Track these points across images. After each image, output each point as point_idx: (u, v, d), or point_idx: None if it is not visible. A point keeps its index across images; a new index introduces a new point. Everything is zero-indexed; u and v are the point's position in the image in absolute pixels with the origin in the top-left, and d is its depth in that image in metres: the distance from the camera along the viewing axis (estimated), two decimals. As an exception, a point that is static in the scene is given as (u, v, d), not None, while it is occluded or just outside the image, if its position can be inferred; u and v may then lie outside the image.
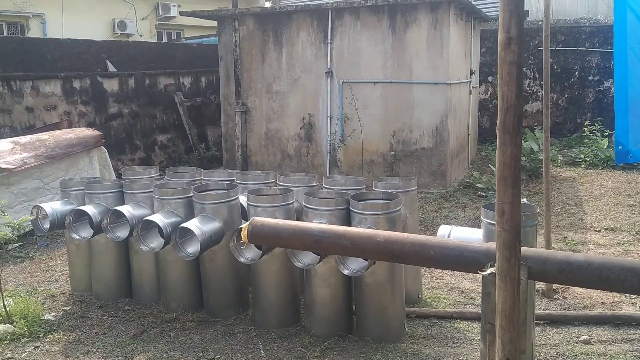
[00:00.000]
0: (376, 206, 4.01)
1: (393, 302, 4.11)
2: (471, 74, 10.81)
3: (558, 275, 2.52)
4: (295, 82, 9.75)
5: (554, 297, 4.97)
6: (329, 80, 9.47)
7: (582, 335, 4.15)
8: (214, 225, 4.31)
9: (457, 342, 4.11)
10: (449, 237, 3.63)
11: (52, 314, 4.82)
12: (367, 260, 3.73)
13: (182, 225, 4.23)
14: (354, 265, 3.85)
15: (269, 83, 9.92)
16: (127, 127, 11.09)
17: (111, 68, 11.14)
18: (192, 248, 4.33)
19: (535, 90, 13.25)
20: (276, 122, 9.99)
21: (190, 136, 12.15)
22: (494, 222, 3.40)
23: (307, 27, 9.55)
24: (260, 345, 4.13)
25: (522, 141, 9.95)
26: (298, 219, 4.37)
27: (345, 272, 3.80)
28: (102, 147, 8.52)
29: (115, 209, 4.65)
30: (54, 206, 5.01)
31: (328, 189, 4.71)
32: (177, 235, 4.31)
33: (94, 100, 10.43)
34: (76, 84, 10.12)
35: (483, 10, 11.71)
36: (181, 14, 10.85)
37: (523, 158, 9.77)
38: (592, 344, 4.04)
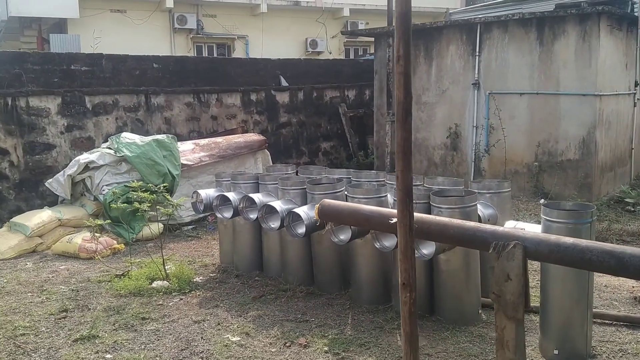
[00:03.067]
0: (450, 201, 4.51)
1: (467, 288, 4.56)
2: (636, 86, 10.30)
3: (549, 255, 2.89)
4: (443, 93, 10.24)
5: (653, 306, 4.95)
6: (475, 91, 9.81)
7: (655, 339, 4.21)
8: (320, 212, 5.13)
9: (526, 330, 4.41)
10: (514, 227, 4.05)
11: (200, 277, 6.04)
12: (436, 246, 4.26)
13: (294, 210, 5.12)
14: (426, 250, 4.40)
15: (418, 94, 10.53)
16: (294, 134, 12.45)
17: (284, 83, 12.60)
18: (302, 230, 5.20)
19: None
20: (424, 132, 10.56)
21: (351, 144, 13.17)
22: (551, 218, 3.80)
23: (457, 41, 10.01)
24: (350, 315, 4.85)
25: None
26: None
27: (416, 254, 4.36)
28: (266, 150, 9.90)
29: (248, 196, 5.71)
30: (208, 192, 6.25)
31: (427, 187, 5.28)
32: (291, 218, 5.22)
33: (267, 111, 11.93)
34: (253, 97, 11.70)
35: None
36: (342, 33, 11.93)
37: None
38: (663, 347, 4.10)
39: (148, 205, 5.83)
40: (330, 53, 19.41)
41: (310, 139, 12.76)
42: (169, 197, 5.97)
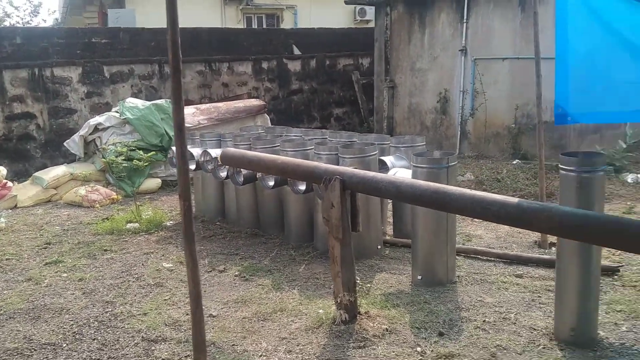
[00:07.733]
0: (352, 151, 5.19)
1: (367, 227, 5.26)
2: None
3: (357, 186, 3.57)
4: (434, 60, 10.69)
5: (549, 248, 5.48)
6: (462, 57, 10.21)
7: (519, 271, 4.79)
8: (257, 163, 5.92)
9: (409, 263, 5.09)
10: (394, 174, 4.76)
11: (170, 222, 6.99)
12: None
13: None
14: (302, 186, 5.12)
15: (412, 61, 11.02)
16: (306, 101, 13.21)
17: (296, 51, 13.32)
18: (241, 179, 6.03)
19: None
20: (417, 97, 11.06)
21: (363, 110, 13.79)
22: (416, 164, 4.46)
23: (447, 9, 10.40)
24: (275, 251, 5.66)
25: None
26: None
27: (295, 189, 5.10)
28: (265, 114, 10.70)
29: (207, 150, 6.57)
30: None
31: (357, 142, 5.97)
32: (235, 169, 6.05)
33: (279, 78, 12.72)
34: (264, 65, 12.51)
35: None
36: (346, 2, 12.41)
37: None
38: (522, 277, 4.68)
39: (123, 158, 6.80)
40: None
41: (322, 106, 13.47)
42: (141, 152, 6.91)
